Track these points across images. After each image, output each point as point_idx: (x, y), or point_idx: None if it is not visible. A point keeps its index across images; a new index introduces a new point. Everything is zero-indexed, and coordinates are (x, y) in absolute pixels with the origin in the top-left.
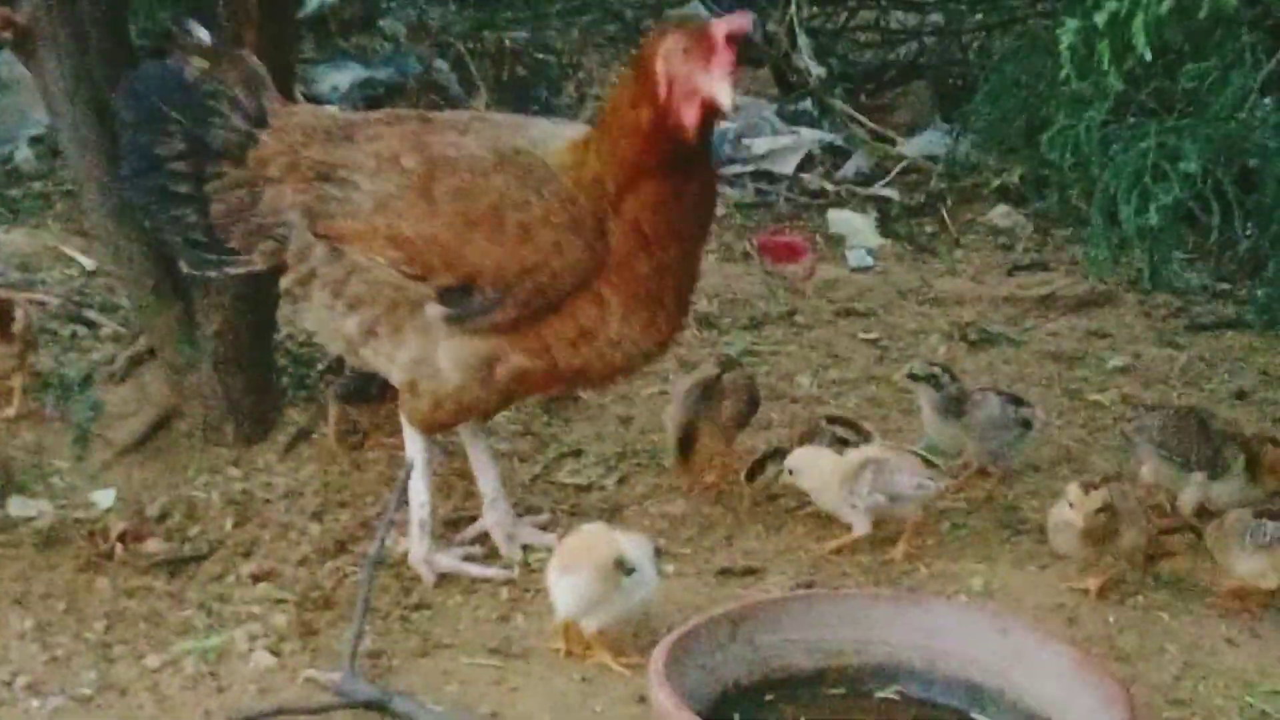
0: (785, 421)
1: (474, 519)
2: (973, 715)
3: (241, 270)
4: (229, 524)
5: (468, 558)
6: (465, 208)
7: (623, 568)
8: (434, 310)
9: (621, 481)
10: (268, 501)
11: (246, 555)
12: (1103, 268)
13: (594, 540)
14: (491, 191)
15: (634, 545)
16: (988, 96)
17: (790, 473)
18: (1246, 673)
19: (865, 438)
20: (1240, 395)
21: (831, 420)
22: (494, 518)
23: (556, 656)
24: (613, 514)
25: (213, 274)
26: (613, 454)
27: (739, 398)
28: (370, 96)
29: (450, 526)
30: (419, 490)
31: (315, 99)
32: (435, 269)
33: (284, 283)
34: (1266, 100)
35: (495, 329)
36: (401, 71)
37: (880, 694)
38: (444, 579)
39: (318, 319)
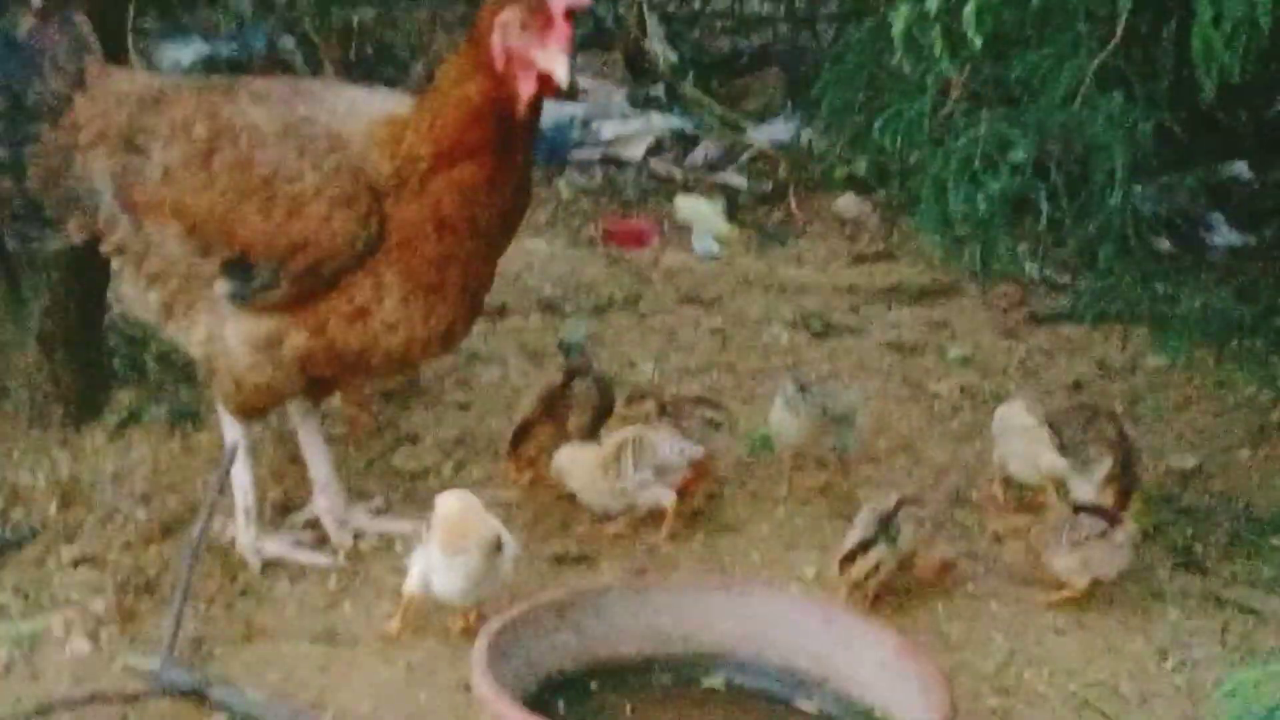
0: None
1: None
2: (796, 703)
3: (60, 244)
4: (53, 508)
5: (297, 544)
6: (239, 180)
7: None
8: (221, 287)
9: (458, 468)
10: (94, 485)
11: (69, 540)
12: (940, 257)
13: (470, 518)
14: (266, 164)
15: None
16: (832, 83)
17: (556, 473)
18: (1071, 661)
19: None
20: (1077, 385)
21: (698, 401)
22: (325, 503)
23: (383, 645)
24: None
25: (35, 246)
26: (450, 440)
27: (586, 407)
28: (213, 72)
29: (281, 513)
30: (242, 476)
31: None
32: (213, 242)
33: (103, 255)
34: (1099, 91)
35: (276, 306)
36: (246, 48)
37: (707, 682)
38: (271, 565)
39: (128, 293)
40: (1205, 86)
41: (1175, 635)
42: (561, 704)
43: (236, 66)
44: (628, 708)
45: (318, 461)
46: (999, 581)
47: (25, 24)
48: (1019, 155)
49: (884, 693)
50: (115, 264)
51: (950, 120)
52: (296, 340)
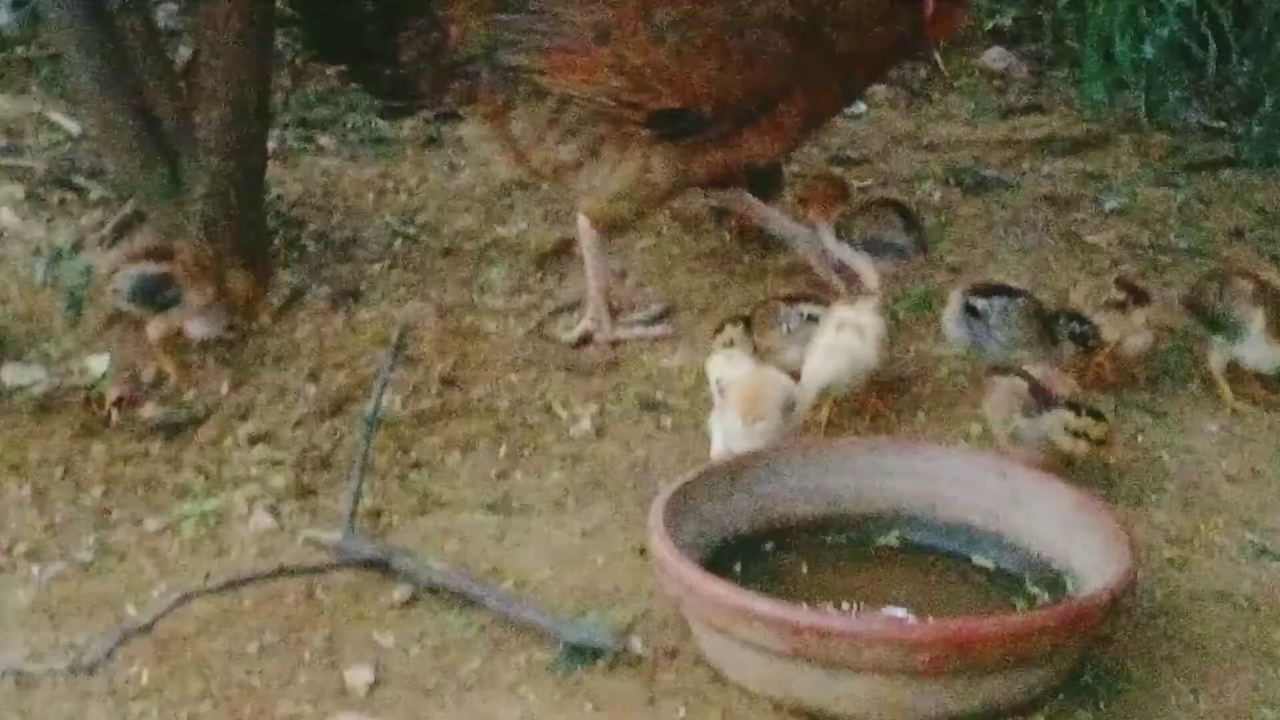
0: None
1: None
2: (973, 559)
3: (432, 113)
4: (224, 387)
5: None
6: (689, 36)
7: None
8: (643, 132)
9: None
10: (263, 363)
11: (243, 418)
12: (1098, 107)
13: (762, 384)
14: (712, 20)
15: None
16: None
17: None
18: (1247, 509)
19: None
20: (1238, 233)
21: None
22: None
23: (556, 511)
24: (609, 368)
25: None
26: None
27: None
28: None
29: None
30: (600, 274)
31: None
32: (658, 95)
33: (468, 116)
34: None
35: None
36: None
37: (881, 541)
38: (443, 438)
39: (523, 149)
40: None
41: None
42: (738, 566)
43: None
44: (804, 567)
45: (780, 223)
46: (1170, 432)
47: None
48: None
49: (1062, 547)
50: (485, 127)
51: None
52: (713, 158)
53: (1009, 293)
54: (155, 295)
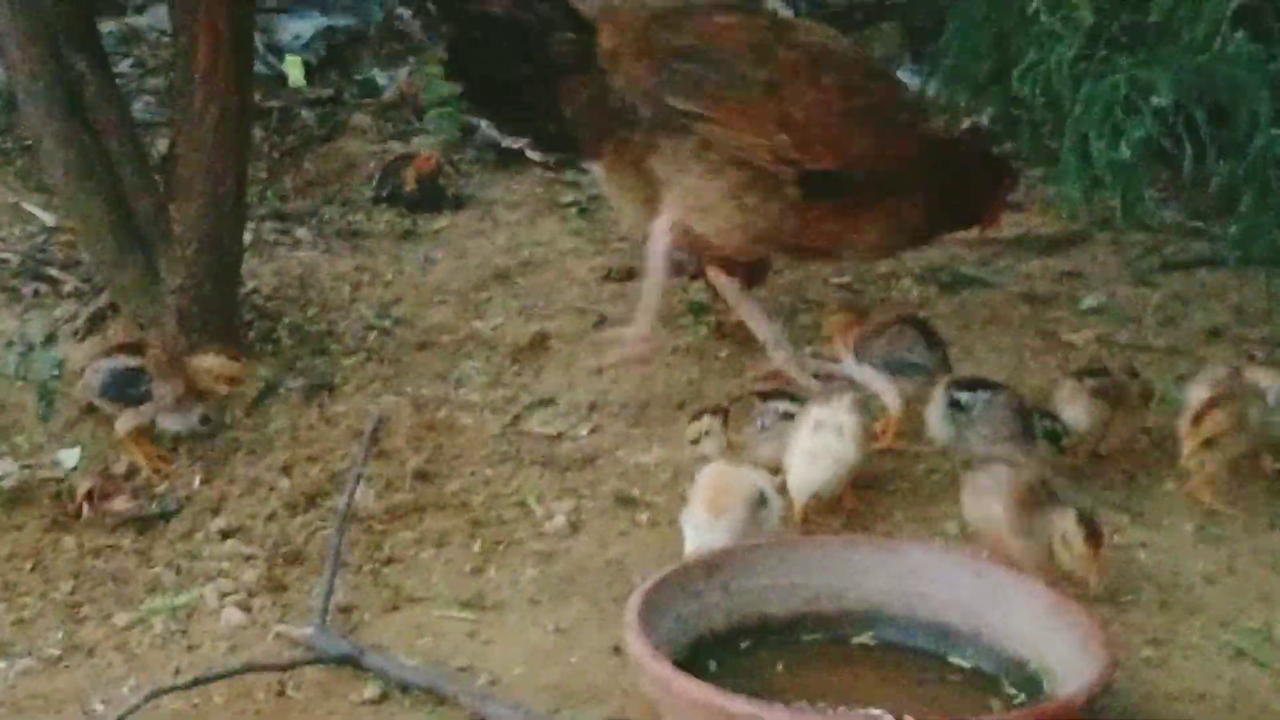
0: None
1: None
2: (949, 659)
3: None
4: (197, 481)
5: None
6: (853, 102)
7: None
8: (790, 189)
9: (594, 431)
10: (235, 457)
11: (215, 512)
12: (1075, 206)
13: (729, 478)
14: (866, 91)
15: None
16: (956, 34)
17: None
18: (1225, 610)
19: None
20: (1215, 333)
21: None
22: (782, 356)
23: (530, 608)
24: (584, 463)
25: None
26: (584, 403)
27: None
28: (332, 45)
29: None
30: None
31: (277, 49)
32: (818, 156)
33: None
34: (1239, 33)
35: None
36: (364, 20)
37: (857, 639)
38: (416, 535)
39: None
40: None
41: None
42: (713, 663)
43: (355, 38)
44: (779, 666)
45: (760, 324)
46: (1148, 531)
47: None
48: (1161, 100)
49: (1039, 646)
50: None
51: (1089, 67)
52: (828, 228)
53: (991, 387)
54: (127, 390)
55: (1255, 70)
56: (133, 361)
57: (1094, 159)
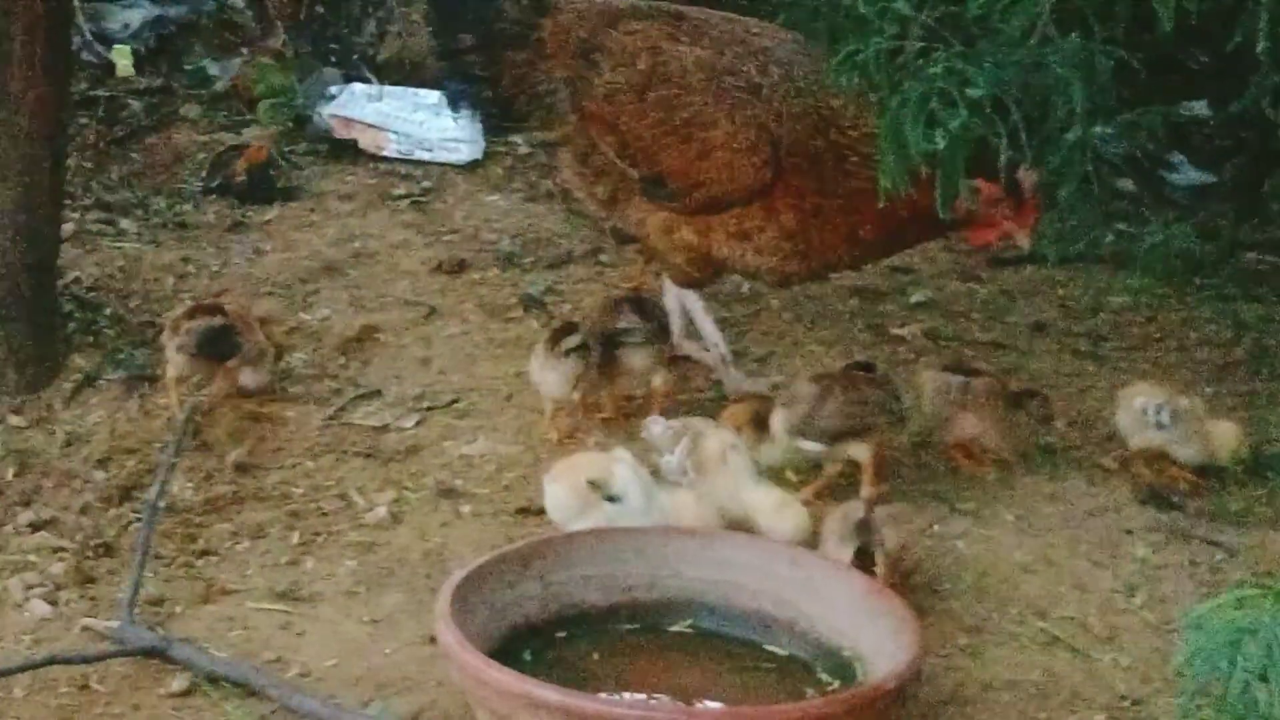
0: None
1: None
2: (766, 647)
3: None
4: (10, 473)
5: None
6: (666, 116)
7: (597, 489)
8: (639, 191)
9: (419, 423)
10: (51, 449)
11: (26, 504)
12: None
13: (585, 461)
14: (689, 106)
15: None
16: (785, 25)
17: None
18: (1040, 599)
19: None
20: (1039, 327)
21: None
22: (694, 349)
23: (346, 600)
24: (408, 454)
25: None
26: (411, 395)
27: None
28: (162, 35)
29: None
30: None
31: (105, 37)
32: (637, 162)
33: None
34: (1053, 26)
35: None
36: (195, 9)
37: (673, 628)
38: (233, 527)
39: (570, 180)
40: (1164, 23)
41: (1143, 571)
42: (528, 654)
43: (185, 28)
44: (594, 656)
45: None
46: (965, 522)
47: None
48: (977, 92)
49: (853, 634)
50: (562, 154)
51: (907, 59)
52: (687, 236)
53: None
54: (220, 346)
55: (1073, 66)
56: (217, 320)
57: (910, 151)
